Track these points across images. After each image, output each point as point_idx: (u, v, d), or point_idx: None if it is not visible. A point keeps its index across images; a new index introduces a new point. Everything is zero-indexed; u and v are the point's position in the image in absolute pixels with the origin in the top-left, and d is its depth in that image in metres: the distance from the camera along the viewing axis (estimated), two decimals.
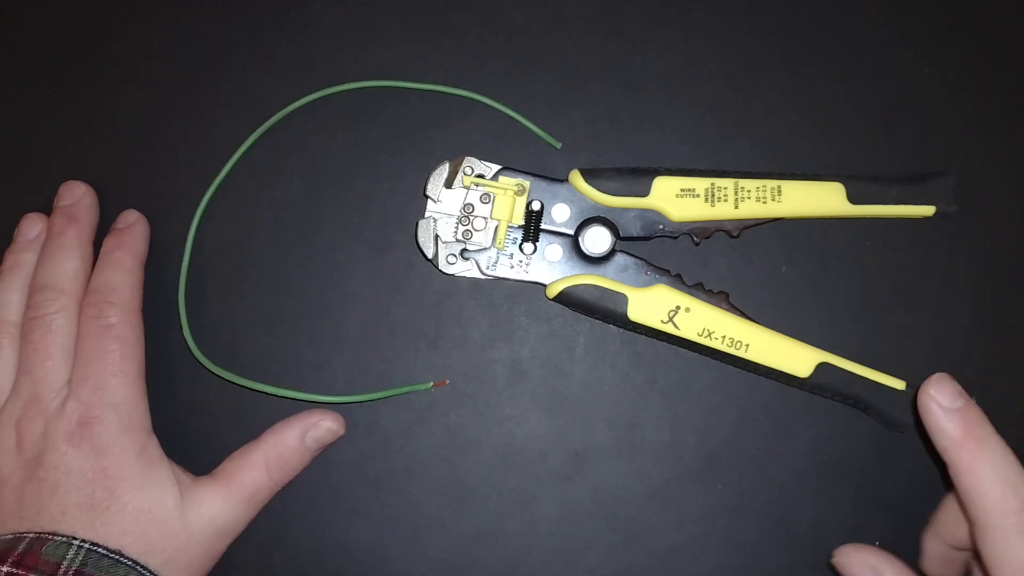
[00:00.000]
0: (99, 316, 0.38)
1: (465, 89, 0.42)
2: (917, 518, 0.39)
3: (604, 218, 0.40)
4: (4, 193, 0.43)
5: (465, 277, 0.41)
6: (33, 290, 0.39)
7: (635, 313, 0.39)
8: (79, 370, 0.38)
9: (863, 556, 0.36)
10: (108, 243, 0.40)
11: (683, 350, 0.41)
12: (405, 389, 0.41)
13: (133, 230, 0.41)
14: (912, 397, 0.39)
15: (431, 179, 0.41)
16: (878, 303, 0.42)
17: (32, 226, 0.41)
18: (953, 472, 0.32)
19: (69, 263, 0.39)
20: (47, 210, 0.41)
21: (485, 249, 0.40)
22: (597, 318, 0.41)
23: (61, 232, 0.40)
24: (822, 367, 0.39)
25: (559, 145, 0.42)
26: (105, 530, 0.36)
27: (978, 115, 0.43)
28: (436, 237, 0.40)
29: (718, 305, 0.40)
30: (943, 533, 0.37)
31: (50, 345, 0.38)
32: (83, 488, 0.36)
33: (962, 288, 0.42)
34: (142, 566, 0.36)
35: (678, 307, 0.39)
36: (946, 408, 0.32)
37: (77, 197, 0.41)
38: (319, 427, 0.40)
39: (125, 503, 0.36)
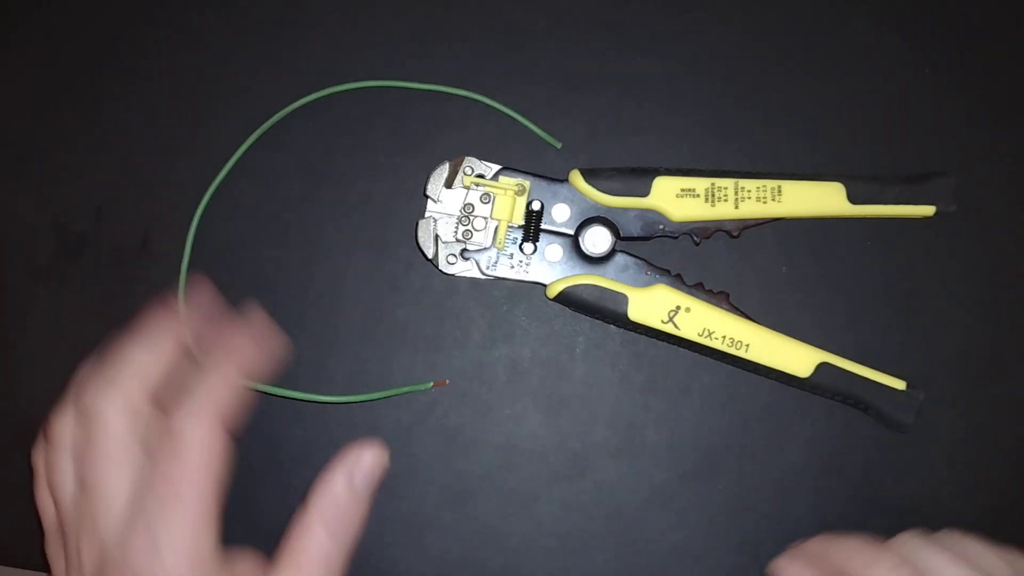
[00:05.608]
0: None
1: (465, 89, 0.42)
2: (917, 518, 0.39)
3: (604, 218, 0.40)
4: (4, 194, 0.43)
5: (465, 277, 0.41)
6: None
7: (635, 313, 0.39)
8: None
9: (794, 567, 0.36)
10: None
11: (683, 350, 0.41)
12: (405, 389, 0.41)
13: None
14: (910, 397, 0.39)
15: (431, 179, 0.41)
16: (878, 303, 0.42)
17: None
18: None
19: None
20: (46, 211, 0.41)
21: (485, 249, 0.40)
22: (597, 318, 0.41)
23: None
24: (822, 367, 0.39)
25: (559, 145, 0.42)
26: None
27: (978, 115, 0.43)
28: (436, 237, 0.40)
29: (718, 305, 0.40)
30: None
31: None
32: None
33: (962, 288, 0.42)
34: None
35: (678, 307, 0.39)
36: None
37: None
38: (361, 464, 0.34)
39: None
